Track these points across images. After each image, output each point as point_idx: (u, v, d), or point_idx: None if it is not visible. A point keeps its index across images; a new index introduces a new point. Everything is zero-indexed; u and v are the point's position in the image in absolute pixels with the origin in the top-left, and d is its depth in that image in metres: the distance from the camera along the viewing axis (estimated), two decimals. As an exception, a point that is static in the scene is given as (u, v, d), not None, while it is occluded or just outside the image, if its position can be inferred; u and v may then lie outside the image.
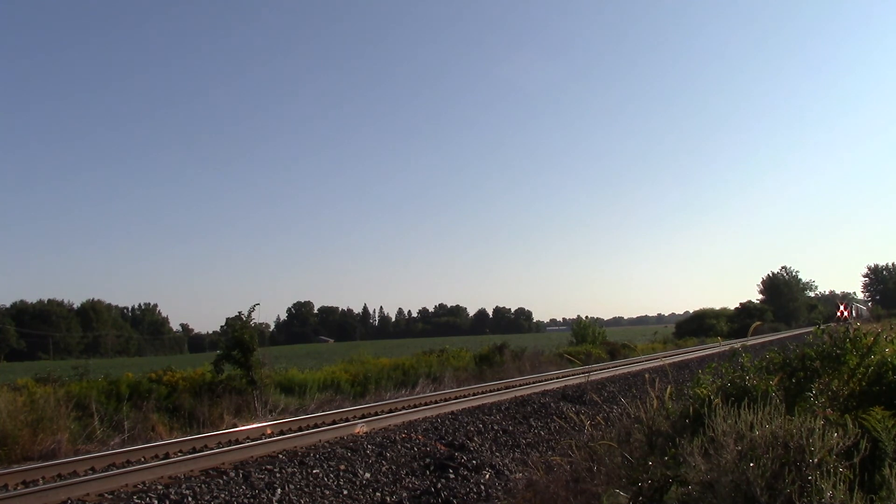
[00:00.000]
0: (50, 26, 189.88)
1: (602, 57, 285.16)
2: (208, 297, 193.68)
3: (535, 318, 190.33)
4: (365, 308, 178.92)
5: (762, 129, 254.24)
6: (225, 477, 7.72)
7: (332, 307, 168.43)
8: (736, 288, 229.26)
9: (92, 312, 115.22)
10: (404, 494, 7.85)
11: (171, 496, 6.91)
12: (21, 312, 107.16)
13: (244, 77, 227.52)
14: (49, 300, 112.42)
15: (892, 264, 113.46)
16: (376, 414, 12.74)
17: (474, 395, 15.78)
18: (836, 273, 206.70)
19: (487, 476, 8.71)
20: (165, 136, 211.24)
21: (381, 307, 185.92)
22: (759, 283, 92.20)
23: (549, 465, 6.16)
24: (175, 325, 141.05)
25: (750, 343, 8.91)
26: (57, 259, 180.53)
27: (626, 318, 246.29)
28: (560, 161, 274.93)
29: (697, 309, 75.02)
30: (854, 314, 65.94)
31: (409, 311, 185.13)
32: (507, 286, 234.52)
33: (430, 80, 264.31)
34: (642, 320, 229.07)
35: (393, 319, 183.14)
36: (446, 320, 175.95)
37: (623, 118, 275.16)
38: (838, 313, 64.27)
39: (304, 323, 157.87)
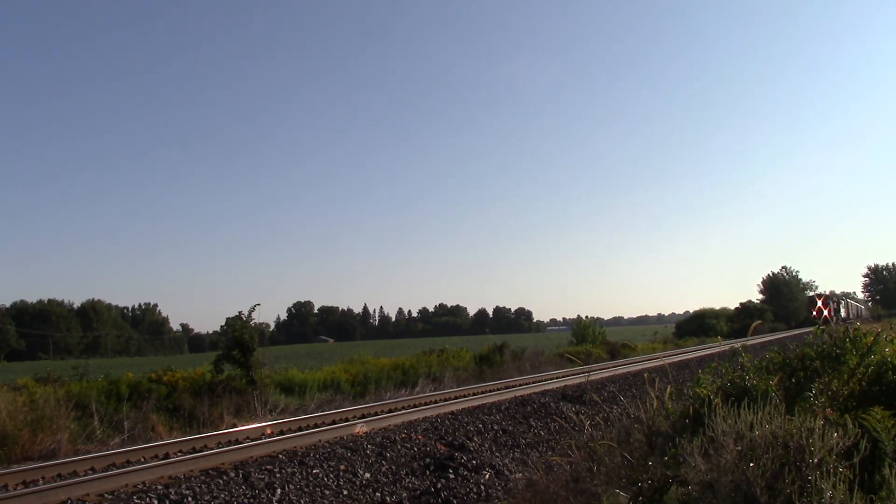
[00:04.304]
0: (50, 26, 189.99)
1: (602, 57, 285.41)
2: (208, 297, 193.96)
3: (535, 318, 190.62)
4: (365, 308, 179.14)
5: (762, 129, 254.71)
6: (225, 477, 7.71)
7: (332, 307, 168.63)
8: (736, 288, 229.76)
9: (92, 312, 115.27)
10: (404, 494, 7.85)
11: (171, 496, 6.91)
12: (21, 312, 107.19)
13: (244, 77, 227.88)
14: (49, 300, 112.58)
15: (892, 264, 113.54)
16: (376, 414, 12.74)
17: (474, 395, 15.77)
18: (836, 273, 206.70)
19: (487, 476, 8.71)
20: (165, 136, 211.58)
21: (381, 307, 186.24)
22: (759, 282, 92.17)
23: (549, 465, 6.16)
24: (175, 325, 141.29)
25: (750, 343, 8.91)
26: (57, 259, 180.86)
27: (626, 318, 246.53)
28: (560, 161, 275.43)
29: (697, 309, 75.00)
30: (845, 312, 63.83)
31: (409, 311, 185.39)
32: (507, 286, 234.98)
33: (430, 80, 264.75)
34: (642, 320, 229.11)
35: (393, 319, 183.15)
36: (446, 320, 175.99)
37: (623, 118, 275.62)
38: (814, 312, 60.95)
39: (304, 323, 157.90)
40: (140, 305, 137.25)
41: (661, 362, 21.79)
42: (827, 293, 66.58)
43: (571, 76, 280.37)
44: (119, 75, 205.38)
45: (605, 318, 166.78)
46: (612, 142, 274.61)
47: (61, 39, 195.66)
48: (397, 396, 17.10)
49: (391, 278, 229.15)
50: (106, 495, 7.02)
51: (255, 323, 16.01)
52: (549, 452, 9.16)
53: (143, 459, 9.02)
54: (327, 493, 7.66)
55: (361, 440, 9.85)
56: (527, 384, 17.93)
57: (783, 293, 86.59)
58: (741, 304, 72.66)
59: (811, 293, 68.90)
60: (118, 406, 12.66)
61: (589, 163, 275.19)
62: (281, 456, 8.83)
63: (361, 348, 30.95)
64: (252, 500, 7.13)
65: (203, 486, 7.32)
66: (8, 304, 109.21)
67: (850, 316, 64.98)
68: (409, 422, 11.67)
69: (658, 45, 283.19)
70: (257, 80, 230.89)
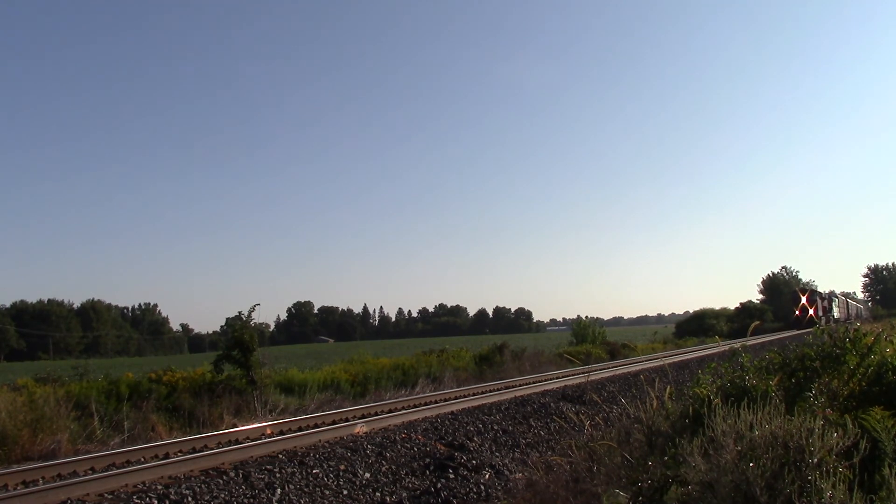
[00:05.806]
0: (50, 26, 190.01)
1: (602, 57, 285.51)
2: (208, 297, 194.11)
3: (535, 318, 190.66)
4: (365, 308, 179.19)
5: (762, 129, 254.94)
6: (225, 477, 7.71)
7: (332, 307, 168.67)
8: (736, 288, 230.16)
9: (92, 312, 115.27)
10: (404, 494, 7.85)
11: (171, 496, 6.91)
12: (21, 312, 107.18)
13: (244, 77, 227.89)
14: (49, 300, 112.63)
15: (892, 264, 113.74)
16: (376, 414, 12.73)
17: (474, 395, 15.76)
18: (836, 273, 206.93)
19: (487, 476, 8.71)
20: (165, 136, 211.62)
21: (381, 307, 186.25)
22: (759, 283, 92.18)
23: (548, 465, 6.16)
24: (175, 325, 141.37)
25: (750, 343, 8.90)
26: (57, 259, 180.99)
27: (626, 318, 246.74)
28: (560, 161, 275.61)
29: (697, 309, 74.88)
30: (840, 312, 61.95)
31: (409, 311, 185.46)
32: (507, 286, 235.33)
33: (430, 80, 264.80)
34: (642, 320, 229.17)
35: (393, 319, 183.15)
36: (446, 320, 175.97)
37: (623, 118, 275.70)
38: (797, 311, 57.56)
39: (304, 323, 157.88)
40: (140, 305, 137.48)
41: (661, 362, 21.79)
42: (813, 288, 64.37)
43: (571, 76, 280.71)
44: (119, 75, 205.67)
45: (605, 318, 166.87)
46: (612, 142, 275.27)
47: (61, 40, 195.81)
48: (397, 396, 17.10)
49: (391, 278, 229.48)
50: (106, 495, 7.02)
51: (254, 323, 16.02)
52: (549, 452, 9.16)
53: (143, 459, 9.02)
54: (327, 493, 7.66)
55: (361, 440, 9.85)
56: (527, 384, 17.92)
57: (783, 293, 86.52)
58: (741, 304, 72.53)
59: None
60: (118, 406, 12.65)
61: (589, 163, 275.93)
62: (281, 456, 8.83)
63: (361, 348, 30.97)
64: (252, 500, 7.13)
65: (203, 485, 7.32)
66: (8, 304, 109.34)
67: (849, 316, 64.36)
68: (409, 422, 11.66)
69: (658, 45, 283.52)
70: (257, 80, 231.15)
